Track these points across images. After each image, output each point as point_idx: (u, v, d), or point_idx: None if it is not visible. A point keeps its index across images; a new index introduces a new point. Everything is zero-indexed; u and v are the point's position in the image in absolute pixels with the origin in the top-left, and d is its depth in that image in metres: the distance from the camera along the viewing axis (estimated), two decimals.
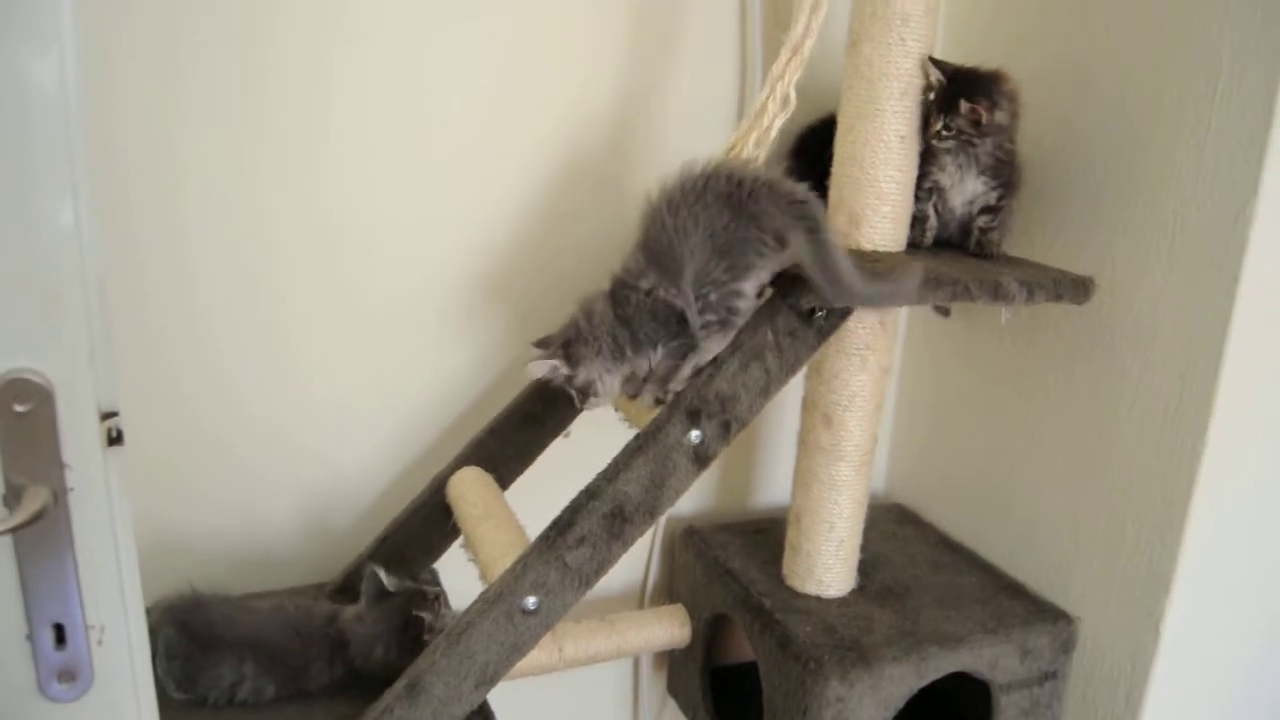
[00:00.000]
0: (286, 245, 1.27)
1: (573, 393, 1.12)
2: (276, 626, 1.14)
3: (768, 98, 0.94)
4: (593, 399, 1.12)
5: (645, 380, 1.12)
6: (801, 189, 1.04)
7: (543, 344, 1.13)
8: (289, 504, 1.37)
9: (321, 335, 1.32)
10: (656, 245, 1.07)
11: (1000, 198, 1.22)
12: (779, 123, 0.97)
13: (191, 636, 1.11)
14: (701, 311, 1.05)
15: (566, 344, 1.10)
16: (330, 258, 1.30)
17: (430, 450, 1.42)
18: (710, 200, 1.04)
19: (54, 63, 0.66)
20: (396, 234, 1.32)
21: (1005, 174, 1.21)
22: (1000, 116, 1.14)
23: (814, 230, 1.00)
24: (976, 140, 1.16)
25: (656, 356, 1.10)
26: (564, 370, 1.10)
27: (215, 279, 1.25)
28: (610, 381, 1.12)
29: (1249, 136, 1.03)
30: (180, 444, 1.29)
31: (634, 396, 1.13)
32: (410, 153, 1.30)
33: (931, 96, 1.14)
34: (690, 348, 1.07)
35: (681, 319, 1.06)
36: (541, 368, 1.11)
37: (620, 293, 1.10)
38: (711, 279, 1.04)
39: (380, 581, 1.17)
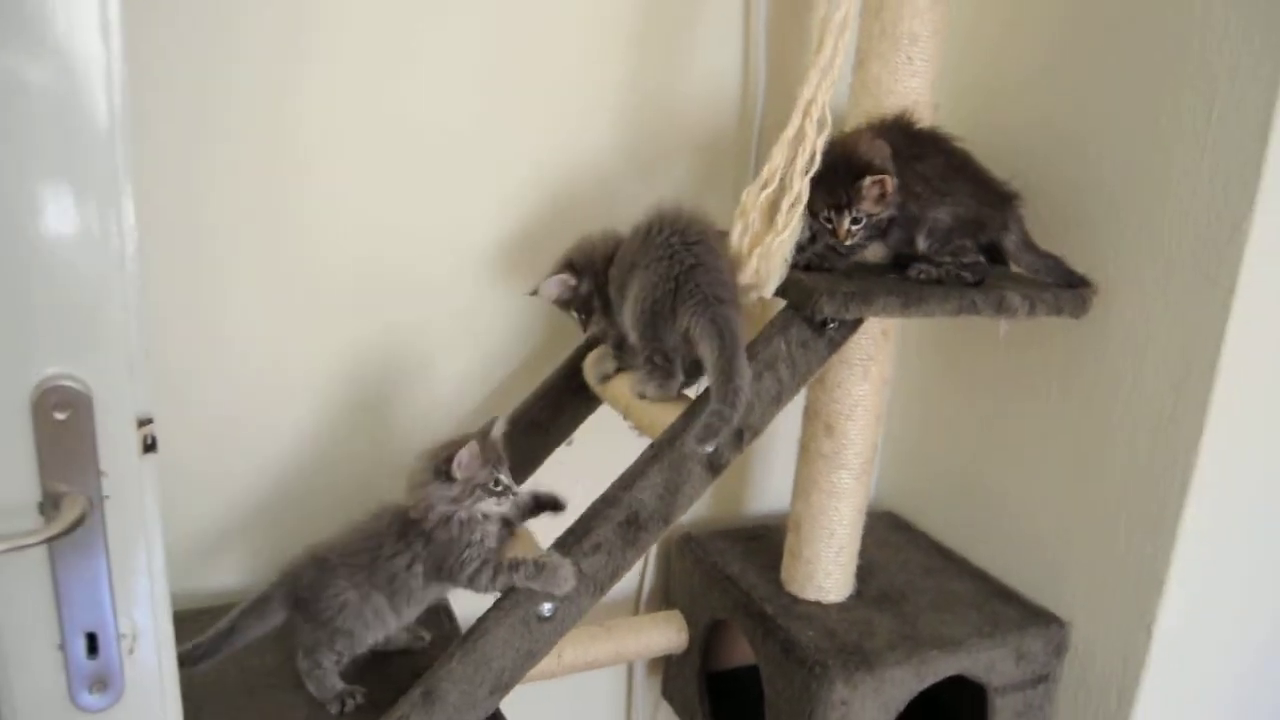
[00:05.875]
0: (248, 245, 1.24)
1: (575, 315, 1.21)
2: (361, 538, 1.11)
3: (804, 122, 0.97)
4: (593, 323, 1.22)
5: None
6: (727, 283, 1.05)
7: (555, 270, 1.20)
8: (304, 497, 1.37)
9: (324, 347, 1.32)
10: (621, 270, 1.13)
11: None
12: (820, 145, 0.99)
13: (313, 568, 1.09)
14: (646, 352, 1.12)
15: (570, 264, 1.19)
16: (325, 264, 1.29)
17: None
18: (662, 254, 1.07)
19: (100, 71, 0.66)
20: (391, 234, 1.31)
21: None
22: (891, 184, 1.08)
23: (722, 349, 1.01)
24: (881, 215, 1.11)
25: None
26: (571, 281, 1.18)
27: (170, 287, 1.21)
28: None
29: (1245, 154, 1.06)
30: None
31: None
32: (394, 158, 1.28)
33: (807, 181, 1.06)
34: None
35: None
36: (552, 284, 1.18)
37: (600, 279, 1.18)
38: (644, 335, 1.10)
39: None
